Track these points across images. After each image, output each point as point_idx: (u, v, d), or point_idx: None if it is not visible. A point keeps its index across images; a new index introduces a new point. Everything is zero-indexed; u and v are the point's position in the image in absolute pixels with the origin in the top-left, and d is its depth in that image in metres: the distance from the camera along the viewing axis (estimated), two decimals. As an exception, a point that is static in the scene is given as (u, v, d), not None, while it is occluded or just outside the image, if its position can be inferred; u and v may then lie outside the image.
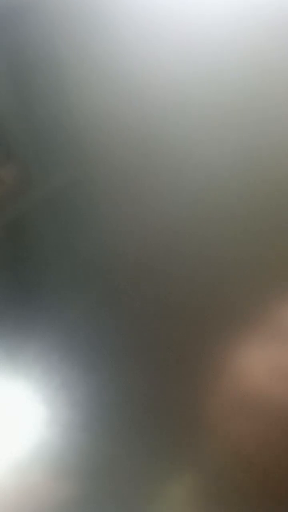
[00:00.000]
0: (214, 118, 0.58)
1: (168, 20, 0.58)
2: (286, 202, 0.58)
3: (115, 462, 0.59)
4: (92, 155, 0.63)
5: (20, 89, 0.65)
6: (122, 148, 0.62)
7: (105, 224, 0.62)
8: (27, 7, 0.62)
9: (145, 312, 0.60)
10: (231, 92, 0.58)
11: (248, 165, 0.58)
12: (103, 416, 0.60)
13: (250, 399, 0.58)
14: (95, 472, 0.59)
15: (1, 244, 0.63)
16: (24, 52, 0.63)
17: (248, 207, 0.58)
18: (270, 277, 0.58)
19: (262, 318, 0.58)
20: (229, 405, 0.58)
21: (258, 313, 0.58)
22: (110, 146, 0.62)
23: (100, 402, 0.60)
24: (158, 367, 0.60)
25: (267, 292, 0.58)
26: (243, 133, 0.58)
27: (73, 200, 0.63)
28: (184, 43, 0.59)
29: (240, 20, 0.56)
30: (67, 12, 0.62)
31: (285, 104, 0.57)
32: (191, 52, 0.58)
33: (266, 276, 0.58)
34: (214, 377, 0.59)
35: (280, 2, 0.56)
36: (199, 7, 0.57)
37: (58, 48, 0.63)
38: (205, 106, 0.59)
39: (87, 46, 0.62)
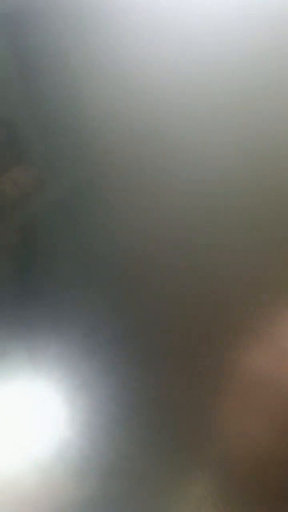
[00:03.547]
0: (216, 116, 0.59)
1: (170, 23, 0.58)
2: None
3: (134, 461, 0.61)
4: (102, 156, 0.64)
5: (32, 94, 0.65)
6: (130, 148, 0.62)
7: (119, 224, 0.63)
8: (38, 14, 0.63)
9: (164, 313, 0.61)
10: (232, 89, 0.58)
11: (250, 159, 0.58)
12: (122, 416, 0.61)
13: (263, 399, 0.59)
14: (114, 471, 0.61)
15: (18, 246, 0.64)
16: (36, 57, 0.64)
17: (253, 202, 0.59)
18: (277, 281, 0.58)
19: (272, 319, 0.59)
20: (244, 405, 0.59)
21: (268, 313, 0.59)
22: (118, 147, 0.63)
23: (119, 403, 0.62)
24: (175, 370, 0.61)
25: (275, 296, 0.59)
26: (244, 128, 0.58)
27: (84, 200, 0.64)
28: (186, 45, 0.58)
29: (240, 20, 0.56)
30: (77, 20, 0.62)
31: (284, 101, 0.57)
32: (193, 54, 0.58)
33: (273, 280, 0.59)
34: (228, 379, 0.60)
35: (281, 3, 0.56)
36: (200, 10, 0.57)
37: (69, 54, 0.63)
38: (207, 104, 0.59)
39: (98, 54, 0.62)
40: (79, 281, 0.64)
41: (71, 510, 0.61)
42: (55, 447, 0.62)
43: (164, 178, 0.63)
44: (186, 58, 0.59)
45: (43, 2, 0.64)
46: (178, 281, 0.61)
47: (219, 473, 0.60)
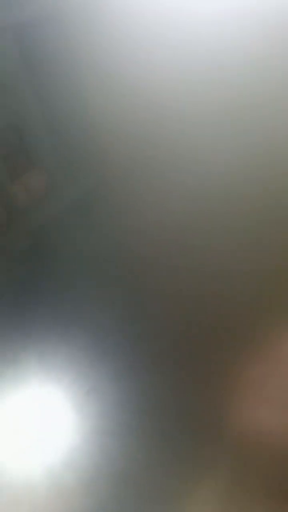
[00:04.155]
0: (216, 121, 0.59)
1: (173, 29, 0.59)
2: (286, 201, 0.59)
3: (144, 467, 0.61)
4: (109, 162, 0.64)
5: (42, 101, 0.66)
6: (136, 154, 0.62)
7: (130, 228, 0.63)
8: (45, 22, 0.63)
9: (173, 317, 0.61)
10: (230, 92, 0.58)
11: (248, 162, 0.59)
12: (132, 422, 0.61)
13: (273, 399, 0.59)
14: (124, 477, 0.60)
15: (29, 251, 0.64)
16: (46, 65, 0.64)
17: (253, 206, 0.59)
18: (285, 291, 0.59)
19: (275, 313, 0.59)
20: (255, 408, 0.59)
21: (277, 319, 0.59)
22: (124, 153, 0.63)
23: (129, 409, 0.61)
24: (185, 374, 0.61)
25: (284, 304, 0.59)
26: (243, 133, 0.58)
27: (92, 206, 0.64)
28: (188, 51, 0.59)
29: (240, 24, 0.57)
30: (85, 27, 0.63)
31: (283, 103, 0.57)
32: (194, 59, 0.59)
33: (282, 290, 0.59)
34: (239, 381, 0.60)
35: (279, 7, 0.56)
36: (199, 14, 0.58)
37: (78, 61, 0.64)
38: (208, 110, 0.59)
39: (106, 61, 0.62)
40: (89, 287, 0.64)
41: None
42: (64, 453, 0.61)
43: (168, 183, 0.63)
44: (188, 64, 0.60)
45: (50, 11, 0.65)
46: (187, 285, 0.61)
47: (231, 477, 0.60)
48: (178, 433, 0.61)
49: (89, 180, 0.64)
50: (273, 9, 0.56)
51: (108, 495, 0.60)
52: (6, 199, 0.63)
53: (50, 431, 0.62)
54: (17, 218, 0.63)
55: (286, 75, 0.56)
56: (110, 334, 0.63)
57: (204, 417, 0.61)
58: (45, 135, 0.66)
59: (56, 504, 0.59)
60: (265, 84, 0.59)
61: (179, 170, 0.63)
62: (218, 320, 0.62)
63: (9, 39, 0.64)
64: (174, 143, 0.60)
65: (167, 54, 0.59)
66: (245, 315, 0.61)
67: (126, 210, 0.62)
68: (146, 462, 0.61)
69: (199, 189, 0.61)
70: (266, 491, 0.58)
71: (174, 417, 0.61)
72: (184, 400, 0.61)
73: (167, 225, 0.62)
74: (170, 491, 0.60)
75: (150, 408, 0.62)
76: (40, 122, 0.66)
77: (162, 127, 0.60)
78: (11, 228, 0.63)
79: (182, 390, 0.61)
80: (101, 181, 0.63)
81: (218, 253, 0.62)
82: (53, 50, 0.65)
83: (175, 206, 0.61)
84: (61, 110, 0.66)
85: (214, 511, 0.60)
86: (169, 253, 0.61)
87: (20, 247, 0.63)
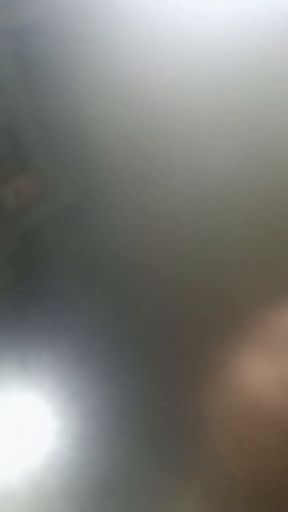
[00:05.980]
0: (215, 121, 0.62)
1: (171, 32, 0.62)
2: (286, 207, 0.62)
3: (126, 472, 0.59)
4: (103, 166, 0.67)
5: (36, 104, 0.68)
6: (131, 158, 0.65)
7: (119, 233, 0.65)
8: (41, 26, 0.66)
9: (157, 324, 0.63)
10: (231, 97, 0.61)
11: (249, 168, 0.62)
12: (114, 427, 0.60)
13: (257, 409, 0.61)
14: (107, 482, 0.58)
15: (17, 255, 0.65)
16: (38, 68, 0.67)
17: (249, 211, 0.62)
18: (271, 286, 0.63)
19: (266, 327, 0.62)
20: (239, 416, 0.61)
21: (262, 322, 0.62)
22: (119, 156, 0.66)
23: (112, 414, 0.61)
24: (168, 379, 0.62)
25: (269, 301, 0.63)
26: (244, 138, 0.62)
27: (85, 209, 0.66)
28: (187, 52, 0.62)
29: (240, 25, 0.59)
30: (79, 31, 0.65)
31: (284, 107, 0.61)
32: (194, 61, 0.62)
33: (267, 285, 0.63)
34: (225, 388, 0.61)
35: (278, 8, 0.58)
36: (199, 16, 0.61)
37: (71, 64, 0.67)
38: (206, 111, 0.62)
39: (99, 64, 0.65)
40: (76, 289, 0.65)
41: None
42: (46, 458, 0.58)
43: (162, 188, 0.65)
44: (187, 66, 0.62)
45: (43, 16, 0.66)
46: (175, 290, 0.64)
47: (215, 483, 0.59)
48: (161, 438, 0.60)
49: (83, 184, 0.67)
50: (275, 11, 0.58)
51: (90, 500, 0.57)
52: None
53: (31, 436, 0.60)
54: (6, 221, 0.65)
55: (286, 75, 0.59)
56: (93, 339, 0.64)
57: (188, 421, 0.61)
58: (39, 138, 0.68)
59: (37, 509, 0.56)
60: (266, 84, 0.60)
61: (175, 173, 0.65)
62: (211, 327, 0.63)
63: (4, 42, 0.66)
64: (172, 146, 0.65)
65: (165, 58, 0.62)
66: (240, 324, 0.63)
67: (117, 214, 0.66)
68: (129, 467, 0.59)
69: (196, 191, 0.64)
70: (250, 495, 0.58)
71: (157, 422, 0.61)
72: (167, 405, 0.62)
73: (160, 230, 0.65)
74: (153, 496, 0.58)
75: (132, 413, 0.62)
76: (34, 126, 0.68)
77: (160, 131, 0.64)
78: (1, 231, 0.64)
79: (165, 395, 0.62)
80: (94, 185, 0.67)
81: (214, 264, 0.64)
82: (47, 53, 0.67)
83: (168, 210, 0.64)
84: (54, 114, 0.68)
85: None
86: (158, 258, 0.64)
87: (8, 251, 0.65)
